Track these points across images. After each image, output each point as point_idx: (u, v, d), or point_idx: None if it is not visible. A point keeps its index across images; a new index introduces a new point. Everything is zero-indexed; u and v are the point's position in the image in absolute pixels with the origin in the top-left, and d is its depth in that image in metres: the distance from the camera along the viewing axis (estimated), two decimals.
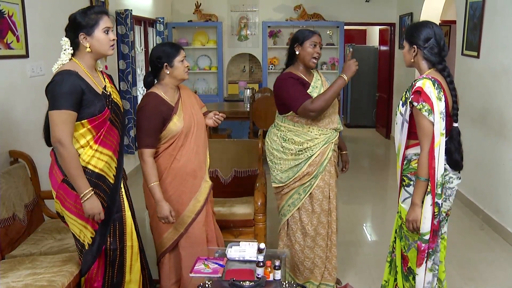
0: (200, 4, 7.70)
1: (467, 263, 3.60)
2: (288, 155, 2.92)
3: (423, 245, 2.30)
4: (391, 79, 8.10)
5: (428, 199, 2.26)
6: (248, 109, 6.37)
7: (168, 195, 2.63)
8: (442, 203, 2.31)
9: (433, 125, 2.21)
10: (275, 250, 2.64)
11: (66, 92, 2.14)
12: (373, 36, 9.96)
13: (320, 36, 2.91)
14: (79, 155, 2.24)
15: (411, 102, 2.26)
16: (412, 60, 2.37)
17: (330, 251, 3.06)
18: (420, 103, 2.21)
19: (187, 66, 2.67)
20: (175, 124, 2.61)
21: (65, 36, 2.26)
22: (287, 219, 3.03)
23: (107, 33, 2.27)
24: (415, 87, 2.25)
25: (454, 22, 5.44)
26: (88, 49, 2.24)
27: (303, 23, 7.80)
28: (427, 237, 2.29)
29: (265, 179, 3.56)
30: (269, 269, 2.25)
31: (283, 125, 2.96)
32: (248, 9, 8.05)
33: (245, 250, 2.47)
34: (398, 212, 2.51)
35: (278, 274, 2.24)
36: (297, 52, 2.89)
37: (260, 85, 8.05)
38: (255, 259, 2.38)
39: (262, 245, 2.39)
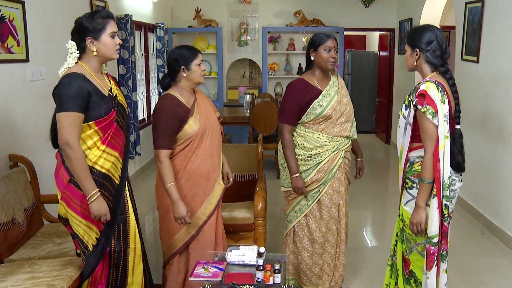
0: (200, 9, 7.72)
1: (467, 268, 3.58)
2: (297, 160, 2.92)
3: (432, 248, 2.29)
4: (391, 84, 8.11)
5: (434, 202, 2.26)
6: (248, 114, 6.38)
7: (182, 196, 2.63)
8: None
9: (437, 128, 2.22)
10: (275, 254, 2.63)
11: (73, 94, 2.17)
12: (373, 41, 9.99)
13: (335, 39, 2.89)
14: (86, 156, 2.25)
15: (415, 105, 2.26)
16: (415, 64, 2.37)
17: (338, 259, 3.05)
18: (424, 106, 2.22)
19: (204, 70, 2.70)
20: (191, 126, 2.64)
21: (71, 40, 2.29)
22: (294, 226, 3.02)
23: (113, 38, 2.31)
24: (419, 90, 2.25)
25: (453, 27, 5.46)
26: (95, 53, 2.28)
27: (303, 28, 7.82)
28: (435, 239, 2.28)
29: (265, 184, 3.56)
30: (269, 273, 2.24)
31: (299, 129, 2.95)
32: (248, 15, 8.07)
33: (244, 254, 2.46)
34: (399, 215, 2.50)
35: (278, 278, 2.24)
36: (312, 58, 2.90)
37: (260, 90, 8.06)
38: (254, 263, 2.38)
39: (262, 249, 2.39)
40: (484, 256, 3.83)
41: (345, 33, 7.90)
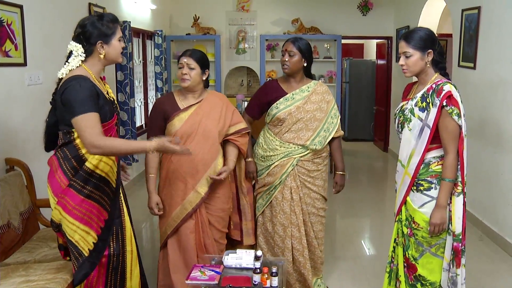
0: (199, 17, 7.76)
1: (467, 274, 3.52)
2: (256, 158, 3.02)
3: (460, 245, 2.30)
4: (389, 92, 8.12)
5: (460, 199, 2.28)
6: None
7: (162, 193, 2.79)
8: None
9: (460, 128, 2.24)
10: (272, 257, 2.62)
11: (86, 96, 2.13)
12: (371, 50, 10.04)
13: (292, 42, 2.90)
14: (87, 159, 2.23)
15: (444, 106, 2.24)
16: (428, 66, 2.34)
17: (305, 268, 3.00)
18: (450, 107, 2.23)
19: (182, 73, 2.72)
20: (173, 124, 2.71)
21: (76, 43, 2.24)
22: (256, 221, 3.10)
23: (120, 41, 2.32)
24: (445, 91, 2.23)
25: (450, 35, 5.49)
26: (103, 57, 2.27)
27: (300, 36, 7.84)
28: (460, 236, 2.29)
29: None
30: (266, 276, 2.22)
31: (264, 128, 3.06)
32: (246, 23, 8.11)
33: (242, 258, 2.44)
34: (400, 221, 2.46)
35: (275, 281, 2.22)
36: None
37: None
38: (252, 266, 2.36)
39: (259, 252, 2.38)
40: (483, 262, 3.82)
41: (343, 41, 7.93)
